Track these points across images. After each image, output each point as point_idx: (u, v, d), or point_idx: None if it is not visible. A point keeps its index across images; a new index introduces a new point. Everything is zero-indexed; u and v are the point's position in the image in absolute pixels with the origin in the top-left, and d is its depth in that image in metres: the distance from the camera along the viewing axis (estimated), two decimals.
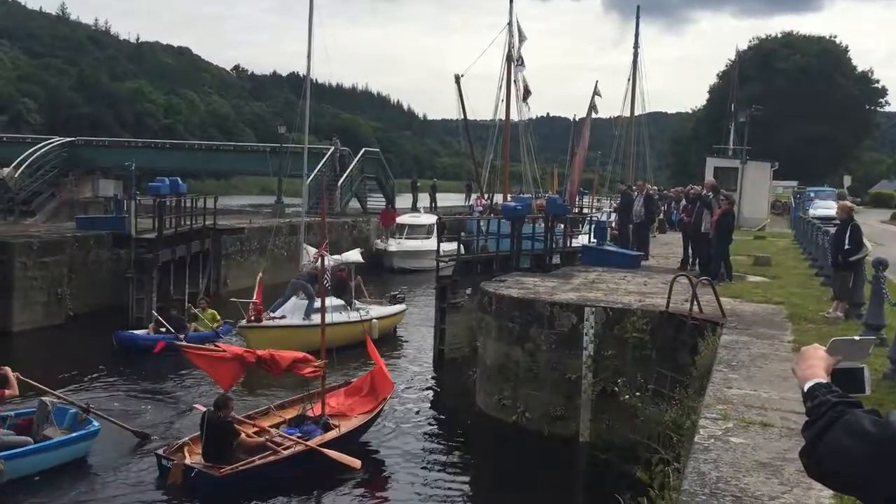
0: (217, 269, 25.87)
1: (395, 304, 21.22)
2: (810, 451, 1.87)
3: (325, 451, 10.95)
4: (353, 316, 18.18)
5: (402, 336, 21.21)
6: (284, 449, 10.82)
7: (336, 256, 21.15)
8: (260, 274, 19.10)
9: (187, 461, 10.37)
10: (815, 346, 2.10)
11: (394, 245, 34.08)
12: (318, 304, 18.73)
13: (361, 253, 21.93)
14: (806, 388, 1.99)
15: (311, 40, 19.92)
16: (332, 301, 18.48)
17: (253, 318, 17.39)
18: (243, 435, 10.81)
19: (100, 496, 10.37)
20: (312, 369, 12.10)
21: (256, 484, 10.36)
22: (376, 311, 19.72)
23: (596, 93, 21.85)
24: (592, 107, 22.16)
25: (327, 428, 11.69)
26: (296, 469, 10.69)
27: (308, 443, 11.10)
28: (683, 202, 20.26)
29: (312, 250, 20.02)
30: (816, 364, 2.02)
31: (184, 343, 14.26)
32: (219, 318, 18.92)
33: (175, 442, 11.10)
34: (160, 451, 10.79)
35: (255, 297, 17.95)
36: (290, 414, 12.29)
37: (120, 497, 10.33)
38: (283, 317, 18.07)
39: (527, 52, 35.17)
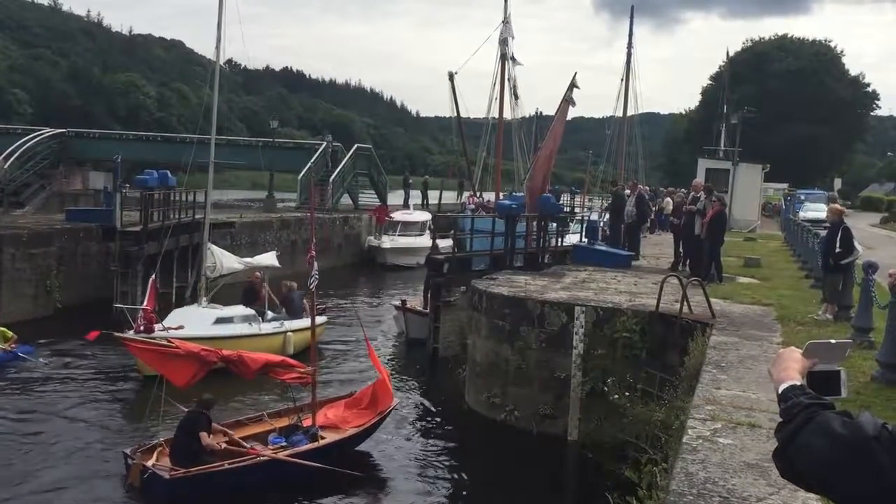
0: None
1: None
2: (782, 453, 1.88)
3: (295, 460, 10.61)
4: (265, 328, 16.91)
5: (396, 334, 21.04)
6: (254, 456, 10.49)
7: (248, 260, 19.72)
8: (152, 277, 16.78)
9: (149, 462, 10.11)
10: (792, 349, 2.09)
11: (387, 242, 34.07)
12: (228, 312, 17.03)
13: (279, 257, 19.87)
14: (780, 390, 2.00)
15: (222, 28, 18.18)
16: (240, 311, 17.28)
17: (143, 327, 15.11)
18: (210, 439, 10.35)
19: (55, 489, 10.34)
20: (297, 375, 11.50)
21: (216, 491, 10.03)
22: (292, 323, 17.58)
23: (574, 84, 20.87)
24: (568, 99, 21.04)
25: (315, 439, 11.26)
26: (262, 478, 10.36)
27: (280, 454, 10.73)
28: (672, 206, 20.27)
29: (217, 251, 18.56)
30: (791, 366, 2.03)
31: (126, 336, 12.67)
32: (10, 336, 16.51)
33: (147, 442, 10.86)
34: (127, 450, 10.59)
35: (145, 304, 15.87)
36: (283, 423, 11.86)
37: (72, 491, 10.30)
38: (180, 327, 15.74)
39: (518, 50, 35.18)
